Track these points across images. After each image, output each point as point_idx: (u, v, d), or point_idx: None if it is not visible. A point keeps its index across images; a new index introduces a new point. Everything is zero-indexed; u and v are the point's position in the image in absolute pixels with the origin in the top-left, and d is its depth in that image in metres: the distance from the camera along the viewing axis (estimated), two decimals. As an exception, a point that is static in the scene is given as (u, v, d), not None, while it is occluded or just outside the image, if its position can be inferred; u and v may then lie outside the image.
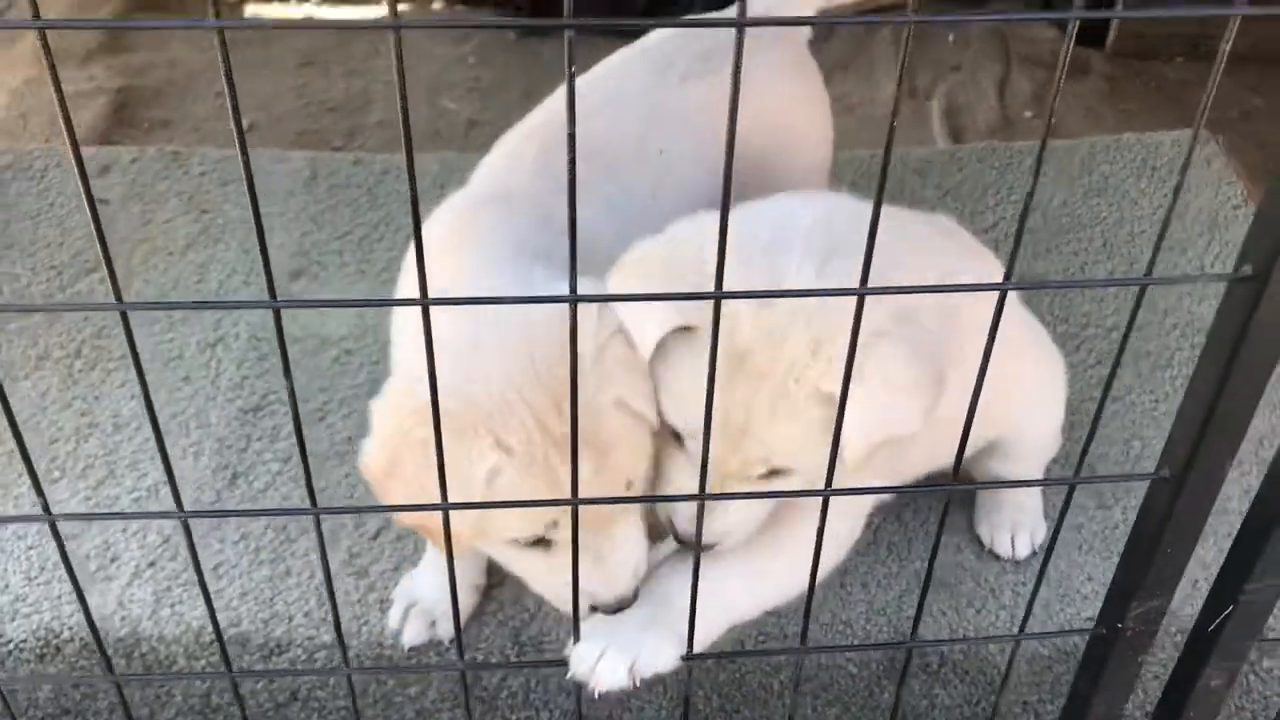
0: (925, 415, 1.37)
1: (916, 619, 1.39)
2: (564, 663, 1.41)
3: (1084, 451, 1.25)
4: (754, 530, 1.48)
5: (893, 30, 4.09)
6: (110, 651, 1.75)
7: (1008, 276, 1.07)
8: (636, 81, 1.90)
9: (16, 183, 2.73)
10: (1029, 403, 1.80)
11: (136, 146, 2.95)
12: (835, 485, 1.23)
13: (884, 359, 1.34)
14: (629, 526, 1.45)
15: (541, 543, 1.41)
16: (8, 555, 1.92)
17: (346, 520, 1.99)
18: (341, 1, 4.30)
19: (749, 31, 0.87)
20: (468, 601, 1.83)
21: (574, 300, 1.02)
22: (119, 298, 1.06)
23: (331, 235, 2.63)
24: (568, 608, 1.36)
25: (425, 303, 1.04)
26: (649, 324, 1.37)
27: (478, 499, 1.32)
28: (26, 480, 1.30)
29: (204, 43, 3.99)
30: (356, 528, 1.99)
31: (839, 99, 3.86)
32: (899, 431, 1.37)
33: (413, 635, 1.81)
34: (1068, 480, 1.48)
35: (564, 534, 1.34)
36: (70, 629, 1.80)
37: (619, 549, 1.43)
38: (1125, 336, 1.13)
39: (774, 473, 1.42)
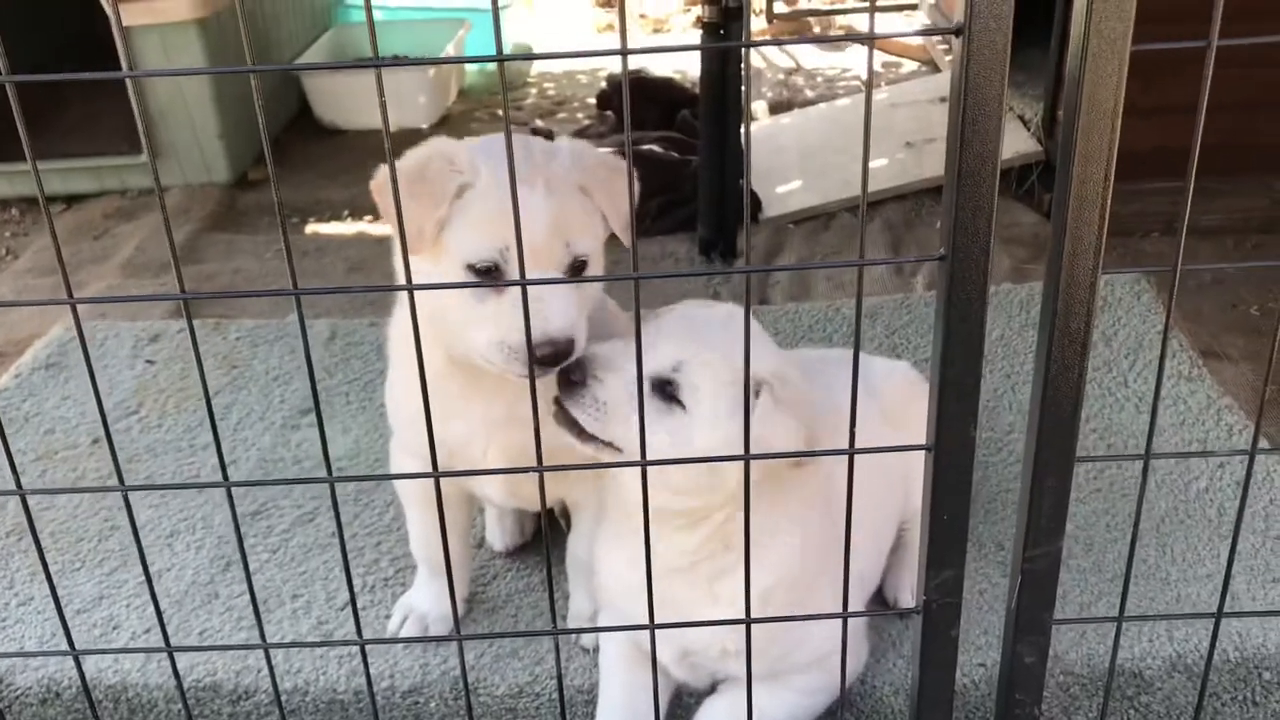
0: (801, 437, 1.67)
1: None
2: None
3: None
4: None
5: (883, 221, 4.48)
6: (100, 697, 2.04)
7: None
8: None
9: (76, 349, 3.18)
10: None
11: (184, 321, 3.40)
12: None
13: (775, 383, 1.70)
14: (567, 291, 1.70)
15: (493, 274, 1.68)
16: (26, 624, 2.22)
17: (319, 593, 2.27)
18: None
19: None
20: (462, 581, 2.09)
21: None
22: (117, 472, 1.38)
23: (342, 381, 3.00)
24: (511, 355, 1.67)
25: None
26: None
27: (445, 208, 1.68)
28: (53, 565, 1.60)
29: (264, 253, 4.56)
30: (328, 600, 2.25)
31: (831, 277, 4.24)
32: (784, 444, 1.66)
33: (408, 636, 2.13)
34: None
35: (513, 268, 1.65)
36: (69, 679, 2.07)
37: (557, 294, 1.67)
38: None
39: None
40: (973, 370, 1.41)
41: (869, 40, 1.29)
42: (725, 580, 1.77)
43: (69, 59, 5.55)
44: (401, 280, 1.77)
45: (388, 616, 2.19)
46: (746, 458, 1.49)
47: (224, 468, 1.51)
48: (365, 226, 4.79)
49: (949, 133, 1.31)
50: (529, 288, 1.55)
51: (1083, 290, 1.36)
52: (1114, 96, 1.27)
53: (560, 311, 1.68)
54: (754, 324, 1.70)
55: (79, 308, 1.44)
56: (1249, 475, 1.53)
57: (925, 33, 4.74)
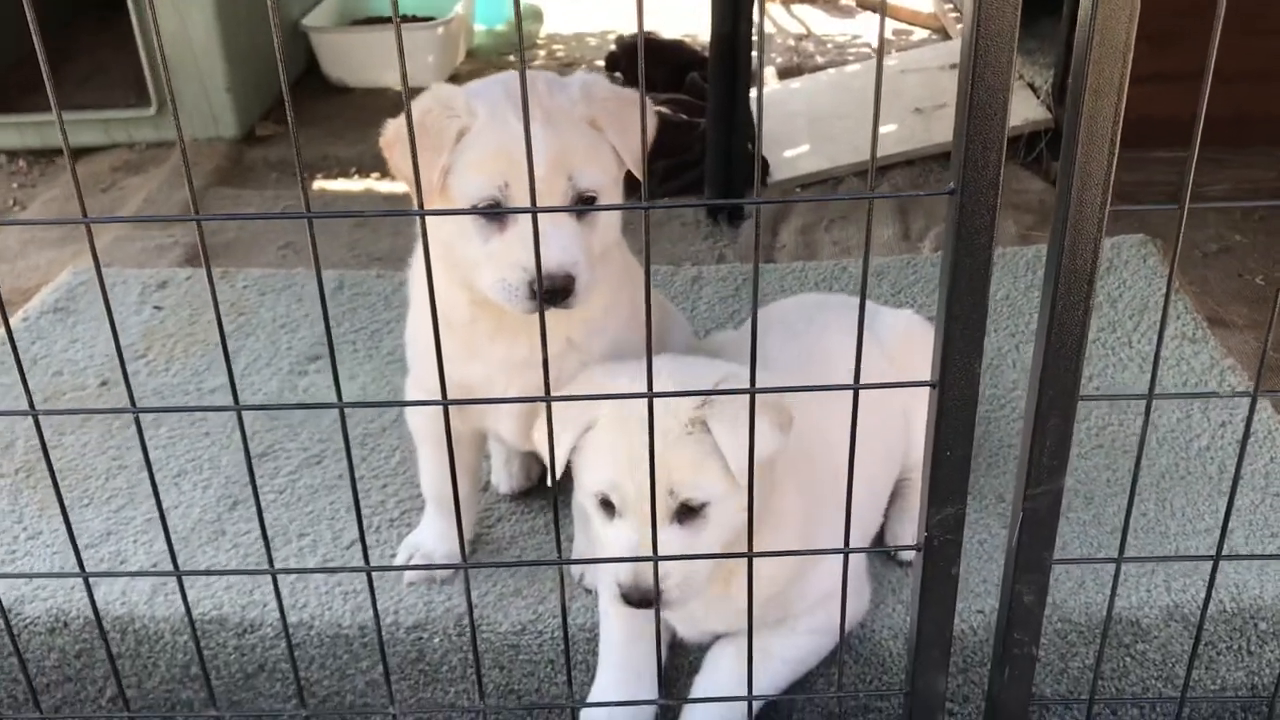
0: (781, 431, 1.69)
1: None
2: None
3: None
4: (685, 572, 1.71)
5: (890, 186, 4.48)
6: (108, 628, 2.06)
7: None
8: None
9: (89, 294, 3.19)
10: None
11: (191, 268, 3.42)
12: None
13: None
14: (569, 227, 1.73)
15: (496, 218, 1.73)
16: (34, 557, 2.24)
17: (325, 532, 2.29)
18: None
19: None
20: (468, 521, 2.10)
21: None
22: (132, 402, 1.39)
23: (349, 330, 3.01)
24: (512, 292, 1.72)
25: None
26: (562, 436, 1.70)
27: (446, 155, 1.72)
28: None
29: (272, 208, 4.56)
30: (334, 539, 2.28)
31: (839, 242, 4.24)
32: (764, 445, 1.64)
33: (413, 574, 2.14)
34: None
35: (512, 204, 1.71)
36: (77, 609, 2.10)
37: (559, 230, 1.70)
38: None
39: (688, 509, 1.69)
40: (979, 305, 1.42)
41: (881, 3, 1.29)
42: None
43: (84, 12, 5.57)
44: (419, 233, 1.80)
45: (393, 555, 2.21)
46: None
47: (235, 392, 1.52)
48: (372, 183, 4.79)
49: (961, 65, 1.31)
50: (527, 222, 1.58)
51: (1090, 226, 1.37)
52: (1126, 33, 1.27)
53: (560, 247, 1.69)
54: (676, 360, 1.80)
55: (88, 254, 1.45)
56: (1251, 417, 1.55)
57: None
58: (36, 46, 1.30)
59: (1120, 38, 1.27)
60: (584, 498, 1.80)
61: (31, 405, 1.56)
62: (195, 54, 4.78)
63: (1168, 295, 1.49)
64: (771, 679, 1.92)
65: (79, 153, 5.01)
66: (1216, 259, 4.04)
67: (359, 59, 5.45)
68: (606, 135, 1.76)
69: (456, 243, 1.77)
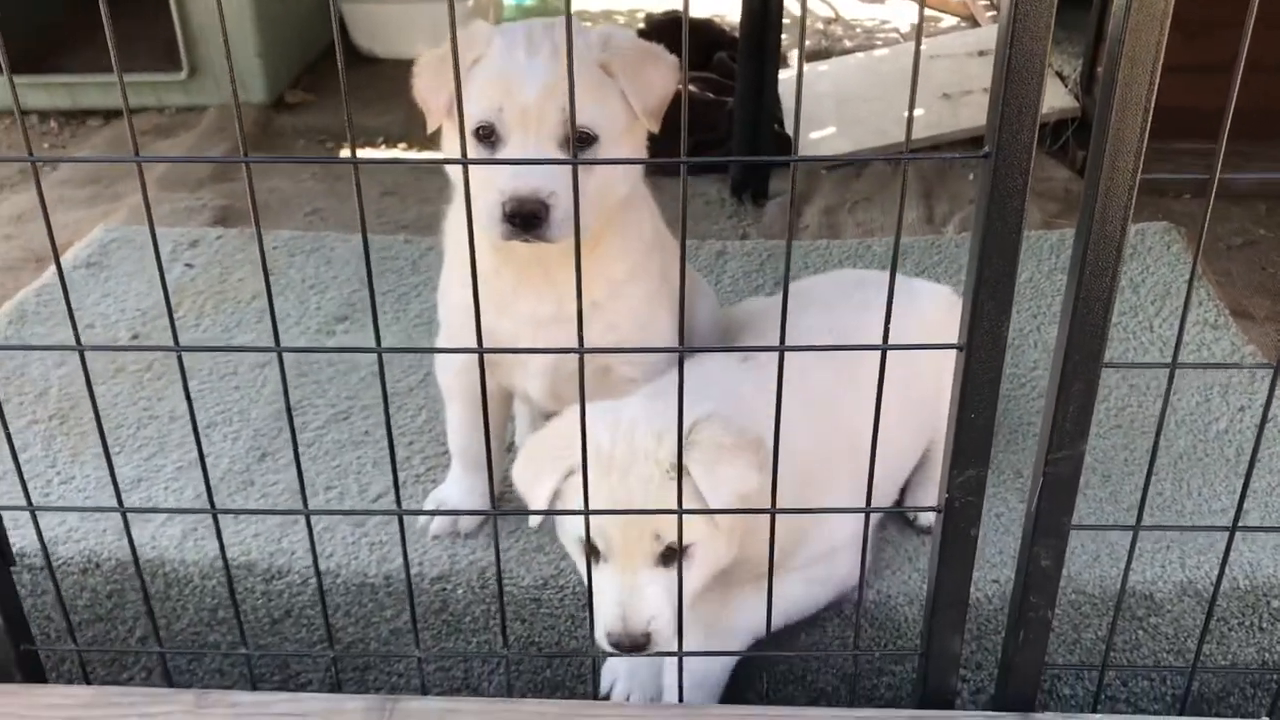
0: (758, 470, 1.71)
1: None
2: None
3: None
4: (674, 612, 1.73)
5: (915, 170, 4.50)
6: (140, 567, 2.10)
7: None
8: None
9: (120, 250, 3.23)
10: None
11: (222, 228, 3.46)
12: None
13: (713, 432, 1.72)
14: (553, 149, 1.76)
15: (490, 136, 1.77)
16: (68, 500, 2.29)
17: (352, 485, 2.33)
18: (422, 148, 4.87)
19: None
20: (498, 455, 2.13)
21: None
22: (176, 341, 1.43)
23: (377, 292, 3.03)
24: (492, 219, 1.74)
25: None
26: (535, 492, 1.76)
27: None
28: (93, 449, 1.65)
29: (300, 175, 4.60)
30: (360, 492, 2.31)
31: (862, 224, 4.26)
32: (743, 486, 1.70)
33: (437, 527, 2.19)
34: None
35: (506, 130, 1.76)
36: (109, 550, 2.14)
37: (543, 152, 1.74)
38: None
39: (672, 551, 1.72)
40: (1009, 270, 1.45)
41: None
42: None
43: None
44: (453, 176, 1.83)
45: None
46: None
47: (276, 333, 1.56)
48: (399, 153, 4.83)
49: (1000, 29, 1.33)
50: (518, 153, 1.62)
51: (1121, 193, 1.39)
52: (1161, 21, 1.29)
53: (537, 171, 1.71)
54: (653, 401, 1.80)
55: (119, 214, 1.48)
56: (1271, 393, 1.57)
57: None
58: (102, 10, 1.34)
59: (1155, 27, 1.29)
60: (567, 540, 1.83)
61: (78, 340, 1.60)
62: (227, 20, 4.81)
63: (1192, 276, 1.51)
64: (757, 615, 1.91)
65: (108, 115, 5.06)
66: (1240, 252, 4.05)
67: (389, 30, 5.49)
68: (618, 81, 1.79)
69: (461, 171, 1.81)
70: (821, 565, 1.94)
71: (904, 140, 1.44)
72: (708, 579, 1.79)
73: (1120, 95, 1.34)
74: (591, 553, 1.75)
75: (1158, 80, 1.33)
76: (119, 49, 1.40)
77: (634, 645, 1.71)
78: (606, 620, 1.71)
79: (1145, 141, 1.37)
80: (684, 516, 1.64)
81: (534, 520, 1.75)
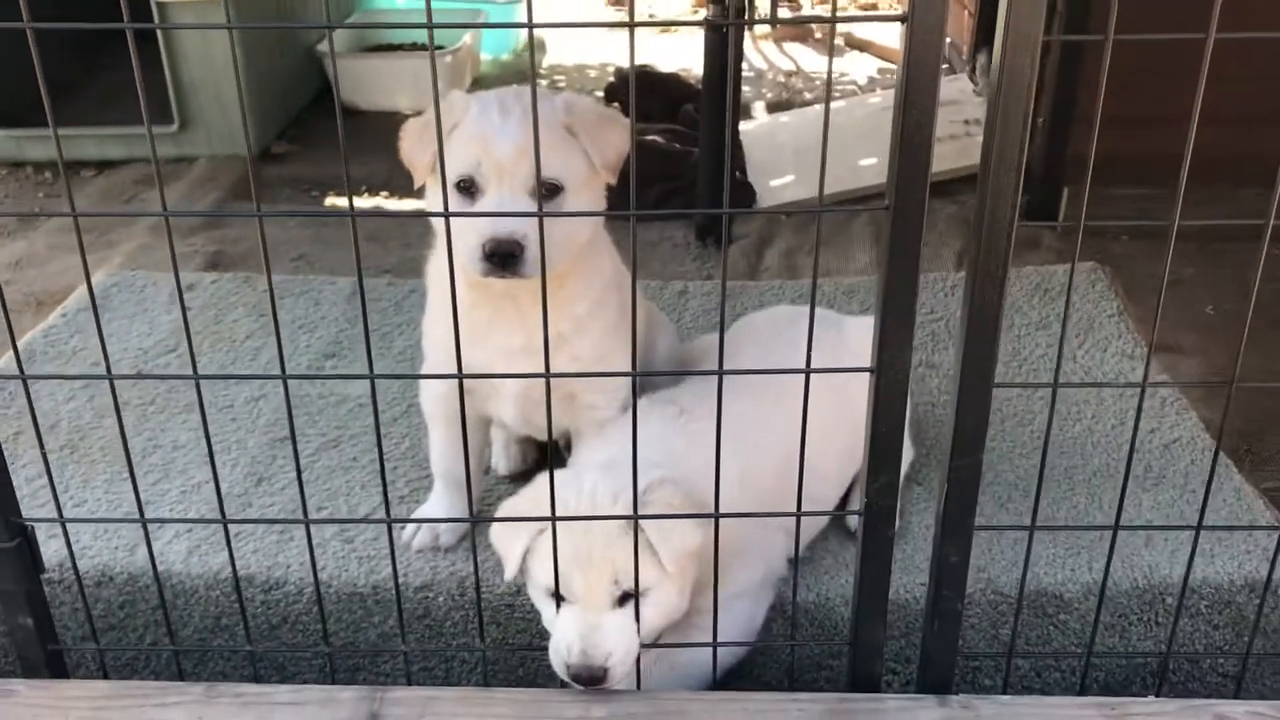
0: (704, 527, 1.96)
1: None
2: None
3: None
4: (627, 648, 1.97)
5: (869, 215, 4.77)
6: (147, 583, 2.32)
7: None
8: None
9: (120, 294, 3.47)
10: None
11: (218, 273, 3.69)
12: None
13: (665, 495, 1.99)
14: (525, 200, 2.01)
15: (471, 187, 2.04)
16: (81, 525, 2.50)
17: (342, 506, 2.56)
18: (402, 197, 5.12)
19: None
20: (476, 475, 2.35)
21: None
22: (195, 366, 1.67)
23: (361, 331, 3.28)
24: (473, 259, 1.99)
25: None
26: (511, 550, 2.01)
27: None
28: (101, 476, 1.88)
29: (287, 222, 4.84)
30: (350, 513, 2.54)
31: (819, 266, 4.52)
32: (689, 543, 1.96)
33: (420, 542, 2.43)
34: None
35: (484, 182, 2.03)
36: (121, 565, 2.36)
37: (516, 206, 2.01)
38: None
39: (627, 596, 1.96)
40: (909, 302, 1.70)
41: (831, 22, 1.58)
42: None
43: (108, 33, 5.84)
44: (436, 224, 2.08)
45: (403, 527, 2.47)
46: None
47: (282, 361, 1.80)
48: (381, 201, 5.08)
49: (894, 103, 1.59)
50: (495, 202, 1.93)
51: (1000, 238, 1.65)
52: (1029, 78, 1.56)
53: (512, 218, 1.99)
54: (612, 469, 2.02)
55: (114, 260, 1.72)
56: (1140, 406, 1.83)
57: (877, 18, 5.08)
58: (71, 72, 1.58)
59: (1022, 98, 1.56)
60: (535, 592, 2.07)
61: (109, 369, 1.83)
62: (217, 75, 5.07)
63: (1066, 292, 1.76)
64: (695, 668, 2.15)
65: (100, 166, 5.30)
66: (1169, 290, 4.30)
67: (371, 84, 5.77)
68: (580, 140, 2.06)
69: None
70: (726, 616, 2.06)
71: (859, 187, 1.69)
72: (663, 620, 2.03)
73: (996, 154, 1.60)
74: (554, 598, 1.99)
75: (1027, 142, 1.60)
76: (112, 102, 1.64)
77: (592, 678, 1.94)
78: (570, 654, 1.94)
79: (1020, 194, 1.63)
80: (639, 565, 1.91)
81: (508, 573, 1.99)
